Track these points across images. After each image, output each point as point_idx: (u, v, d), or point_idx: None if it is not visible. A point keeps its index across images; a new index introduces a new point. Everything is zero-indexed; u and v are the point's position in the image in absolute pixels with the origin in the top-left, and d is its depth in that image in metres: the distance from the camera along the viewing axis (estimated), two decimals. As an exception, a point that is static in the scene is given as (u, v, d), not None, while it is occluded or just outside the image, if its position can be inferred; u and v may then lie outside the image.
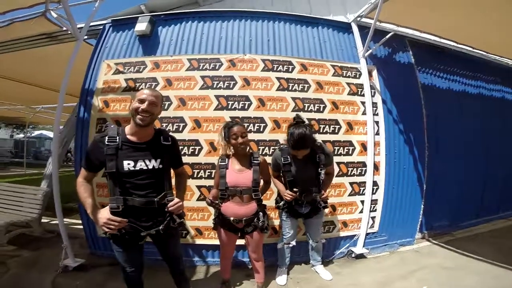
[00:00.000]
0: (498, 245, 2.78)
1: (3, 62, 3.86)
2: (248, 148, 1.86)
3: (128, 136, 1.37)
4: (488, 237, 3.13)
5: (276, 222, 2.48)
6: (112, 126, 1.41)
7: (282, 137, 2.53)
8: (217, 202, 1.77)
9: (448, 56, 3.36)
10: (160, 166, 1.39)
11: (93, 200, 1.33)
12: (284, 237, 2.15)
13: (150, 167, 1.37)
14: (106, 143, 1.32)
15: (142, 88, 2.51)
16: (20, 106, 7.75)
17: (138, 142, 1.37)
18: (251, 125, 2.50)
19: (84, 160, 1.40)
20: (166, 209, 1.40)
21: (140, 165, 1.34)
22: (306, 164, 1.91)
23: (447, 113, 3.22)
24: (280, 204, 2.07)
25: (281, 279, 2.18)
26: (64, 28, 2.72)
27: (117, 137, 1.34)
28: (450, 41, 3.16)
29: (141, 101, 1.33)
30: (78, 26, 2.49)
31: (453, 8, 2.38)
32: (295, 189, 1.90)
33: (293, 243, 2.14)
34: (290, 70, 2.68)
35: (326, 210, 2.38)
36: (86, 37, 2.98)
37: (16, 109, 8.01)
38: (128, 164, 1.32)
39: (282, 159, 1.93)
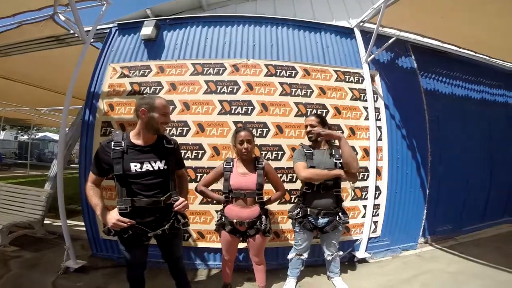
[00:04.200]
0: (503, 250, 2.76)
1: (12, 65, 3.93)
2: (252, 154, 1.86)
3: (133, 140, 1.45)
4: (492, 241, 3.10)
5: (278, 227, 2.49)
6: (117, 132, 1.49)
7: (285, 142, 2.55)
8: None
9: (450, 61, 3.36)
10: (165, 167, 1.46)
11: (102, 203, 1.41)
12: (296, 248, 2.03)
13: (156, 168, 1.43)
14: (112, 147, 1.39)
15: (146, 93, 2.57)
16: (25, 108, 7.86)
17: (143, 145, 1.45)
18: (254, 130, 2.51)
19: (92, 166, 1.46)
20: (172, 209, 1.46)
21: (146, 166, 1.41)
22: (325, 156, 1.91)
23: (450, 118, 3.21)
24: (294, 213, 1.96)
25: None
26: (71, 31, 2.75)
27: (122, 142, 1.41)
28: (453, 46, 3.16)
29: (166, 114, 1.45)
30: (85, 29, 2.52)
31: (455, 12, 2.38)
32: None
33: (305, 255, 2.01)
34: (293, 75, 2.70)
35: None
36: (92, 40, 3.03)
37: (22, 111, 8.13)
38: (135, 166, 1.39)
39: (305, 149, 1.94)
